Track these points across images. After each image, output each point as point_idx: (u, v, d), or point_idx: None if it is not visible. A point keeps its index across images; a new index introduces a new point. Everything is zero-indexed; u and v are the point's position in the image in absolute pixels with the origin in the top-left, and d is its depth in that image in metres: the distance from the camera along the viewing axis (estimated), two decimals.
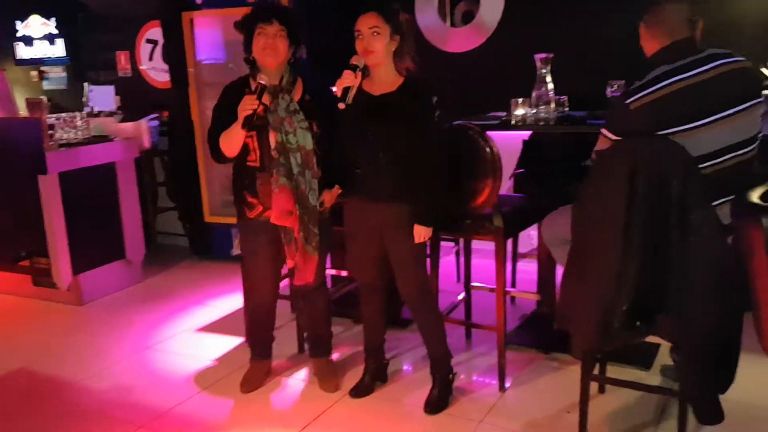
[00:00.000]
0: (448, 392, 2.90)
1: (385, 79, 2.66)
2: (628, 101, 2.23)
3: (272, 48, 2.70)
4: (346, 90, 2.57)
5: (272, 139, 2.73)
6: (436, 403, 2.85)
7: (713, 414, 2.25)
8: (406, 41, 2.64)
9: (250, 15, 2.76)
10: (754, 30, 3.75)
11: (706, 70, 2.21)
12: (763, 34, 3.72)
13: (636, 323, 2.23)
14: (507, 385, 3.00)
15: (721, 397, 2.26)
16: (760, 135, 2.29)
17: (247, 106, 2.64)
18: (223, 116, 2.75)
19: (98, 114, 5.31)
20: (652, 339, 2.48)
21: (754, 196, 1.52)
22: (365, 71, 2.63)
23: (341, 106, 2.58)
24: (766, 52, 3.52)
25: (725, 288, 2.06)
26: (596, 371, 2.69)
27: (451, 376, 2.91)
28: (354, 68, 2.57)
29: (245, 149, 2.79)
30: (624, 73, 3.13)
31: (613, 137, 2.29)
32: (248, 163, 2.82)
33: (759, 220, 1.41)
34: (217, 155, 2.81)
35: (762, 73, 3.06)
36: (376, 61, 2.61)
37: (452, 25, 4.78)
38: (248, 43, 2.75)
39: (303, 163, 2.75)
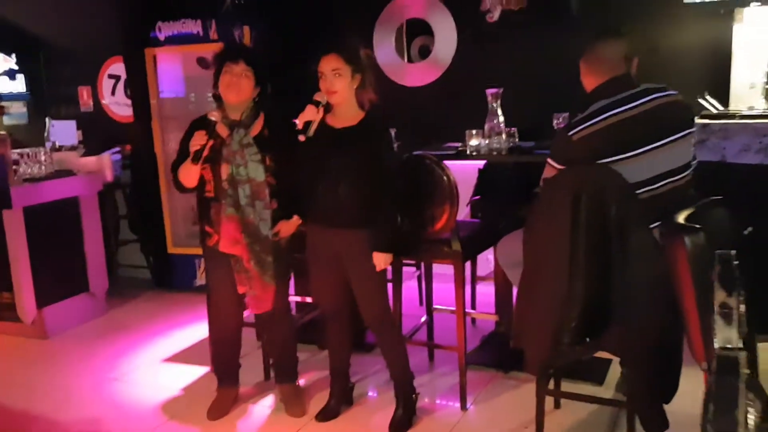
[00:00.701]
0: (411, 412, 2.98)
1: (347, 113, 2.78)
2: (570, 133, 2.39)
3: (236, 86, 2.83)
4: (307, 124, 2.70)
5: (224, 171, 2.86)
6: (400, 424, 2.93)
7: (658, 423, 2.36)
8: (368, 76, 2.76)
9: (220, 53, 2.90)
10: (686, 64, 4.01)
11: (642, 104, 2.37)
12: (692, 70, 3.99)
13: (585, 339, 2.36)
14: (468, 403, 3.11)
15: (666, 406, 2.38)
16: (694, 162, 2.49)
17: (196, 141, 2.77)
18: (185, 149, 2.87)
19: (60, 148, 5.32)
20: (603, 355, 2.63)
21: (681, 217, 1.68)
22: (327, 107, 2.75)
23: (302, 138, 2.71)
24: (697, 84, 3.79)
25: (665, 303, 2.20)
26: (552, 387, 2.83)
27: (414, 396, 3.00)
28: (317, 104, 2.70)
29: (202, 180, 2.92)
30: (568, 106, 3.33)
31: (558, 166, 2.44)
32: (206, 194, 2.94)
33: (682, 239, 1.56)
34: (178, 186, 2.96)
35: (691, 105, 3.28)
36: (339, 101, 2.73)
37: (409, 60, 4.98)
38: (216, 79, 2.88)
39: (252, 194, 2.86)
